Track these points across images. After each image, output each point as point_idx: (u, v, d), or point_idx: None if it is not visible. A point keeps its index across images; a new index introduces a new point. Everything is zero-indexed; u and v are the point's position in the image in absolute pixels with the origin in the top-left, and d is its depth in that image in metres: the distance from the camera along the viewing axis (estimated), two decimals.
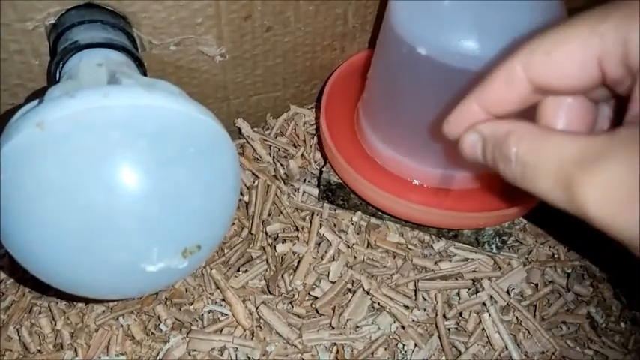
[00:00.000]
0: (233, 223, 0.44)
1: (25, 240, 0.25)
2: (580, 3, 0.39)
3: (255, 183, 0.45)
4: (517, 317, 0.40)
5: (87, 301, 0.40)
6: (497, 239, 0.41)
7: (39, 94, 0.28)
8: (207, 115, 0.28)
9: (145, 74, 0.34)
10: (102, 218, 0.24)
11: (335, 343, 0.38)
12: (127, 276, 0.25)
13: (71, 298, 0.40)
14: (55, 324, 0.39)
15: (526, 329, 0.40)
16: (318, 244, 0.42)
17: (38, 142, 0.23)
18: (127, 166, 0.24)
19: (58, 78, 0.32)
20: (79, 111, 0.23)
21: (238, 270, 0.42)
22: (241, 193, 0.45)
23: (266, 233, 0.43)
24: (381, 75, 0.37)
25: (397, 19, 0.33)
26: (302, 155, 0.47)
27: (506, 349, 0.39)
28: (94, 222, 0.24)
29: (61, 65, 0.32)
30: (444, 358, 0.38)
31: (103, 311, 0.40)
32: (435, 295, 0.40)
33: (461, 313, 0.40)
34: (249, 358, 0.38)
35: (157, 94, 0.26)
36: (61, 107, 0.23)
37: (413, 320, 0.39)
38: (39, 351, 0.38)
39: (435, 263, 0.42)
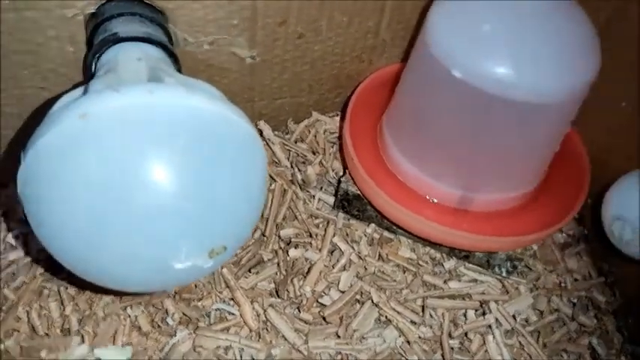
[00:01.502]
0: None
1: (59, 230, 0.25)
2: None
3: (272, 186, 0.45)
4: (520, 342, 0.40)
5: (96, 289, 0.40)
6: (508, 263, 0.41)
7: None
8: (243, 117, 0.28)
9: (179, 71, 0.34)
10: (137, 213, 0.24)
11: (340, 353, 0.39)
12: (154, 272, 0.26)
13: (80, 285, 0.40)
14: (64, 309, 0.39)
15: (528, 354, 0.40)
16: (331, 253, 0.43)
17: (81, 133, 0.23)
18: (164, 163, 0.24)
19: (93, 69, 0.33)
20: (123, 106, 0.24)
21: (249, 271, 0.42)
22: None
23: (279, 237, 0.43)
24: (411, 91, 0.37)
25: (434, 39, 0.33)
26: (320, 162, 0.47)
27: None
28: (129, 217, 0.24)
29: (98, 56, 0.32)
30: None
31: (112, 300, 0.40)
32: (443, 313, 0.41)
33: (466, 334, 0.40)
34: (253, 359, 0.38)
35: (197, 94, 0.26)
36: (105, 100, 0.24)
37: (419, 337, 0.40)
38: (46, 334, 0.38)
39: (445, 282, 0.42)
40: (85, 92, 0.27)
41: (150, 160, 0.24)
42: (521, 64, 0.31)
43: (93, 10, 0.34)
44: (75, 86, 0.29)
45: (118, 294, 0.40)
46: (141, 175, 0.24)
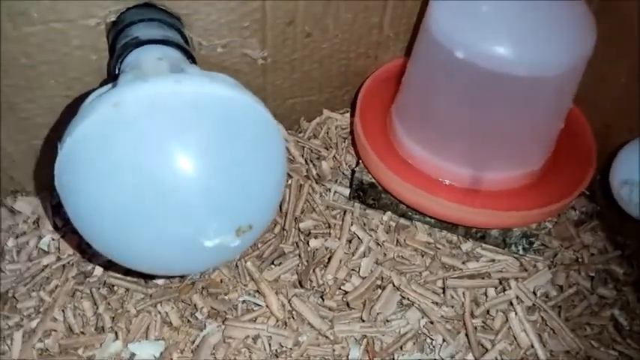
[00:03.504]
0: None
1: (94, 213, 0.27)
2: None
3: (289, 182, 0.47)
4: (542, 317, 0.41)
5: (127, 288, 0.41)
6: (524, 241, 0.42)
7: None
8: (261, 105, 0.30)
9: None
10: (169, 193, 0.25)
11: (365, 336, 0.40)
12: (185, 250, 0.27)
13: (110, 287, 0.42)
14: (97, 308, 0.40)
15: (551, 329, 0.41)
16: (349, 241, 0.44)
17: (114, 120, 0.25)
18: (192, 145, 0.26)
19: (117, 71, 0.35)
20: (151, 94, 0.26)
21: (272, 263, 0.43)
22: None
23: (299, 229, 0.45)
24: (418, 78, 0.39)
25: (436, 23, 0.35)
26: (334, 157, 0.49)
27: (532, 347, 0.39)
28: (162, 196, 0.25)
29: (121, 60, 0.35)
30: (470, 354, 0.39)
31: (142, 298, 0.41)
32: (463, 292, 0.41)
33: (488, 311, 0.41)
34: (282, 346, 0.39)
35: (219, 83, 0.28)
36: (135, 90, 0.26)
37: (442, 316, 0.40)
38: (82, 332, 0.39)
39: (463, 263, 0.43)
40: (114, 86, 0.28)
41: (178, 143, 0.26)
42: (521, 41, 0.33)
43: (114, 19, 0.37)
44: (102, 84, 0.31)
45: (149, 292, 0.41)
46: (170, 157, 0.26)
